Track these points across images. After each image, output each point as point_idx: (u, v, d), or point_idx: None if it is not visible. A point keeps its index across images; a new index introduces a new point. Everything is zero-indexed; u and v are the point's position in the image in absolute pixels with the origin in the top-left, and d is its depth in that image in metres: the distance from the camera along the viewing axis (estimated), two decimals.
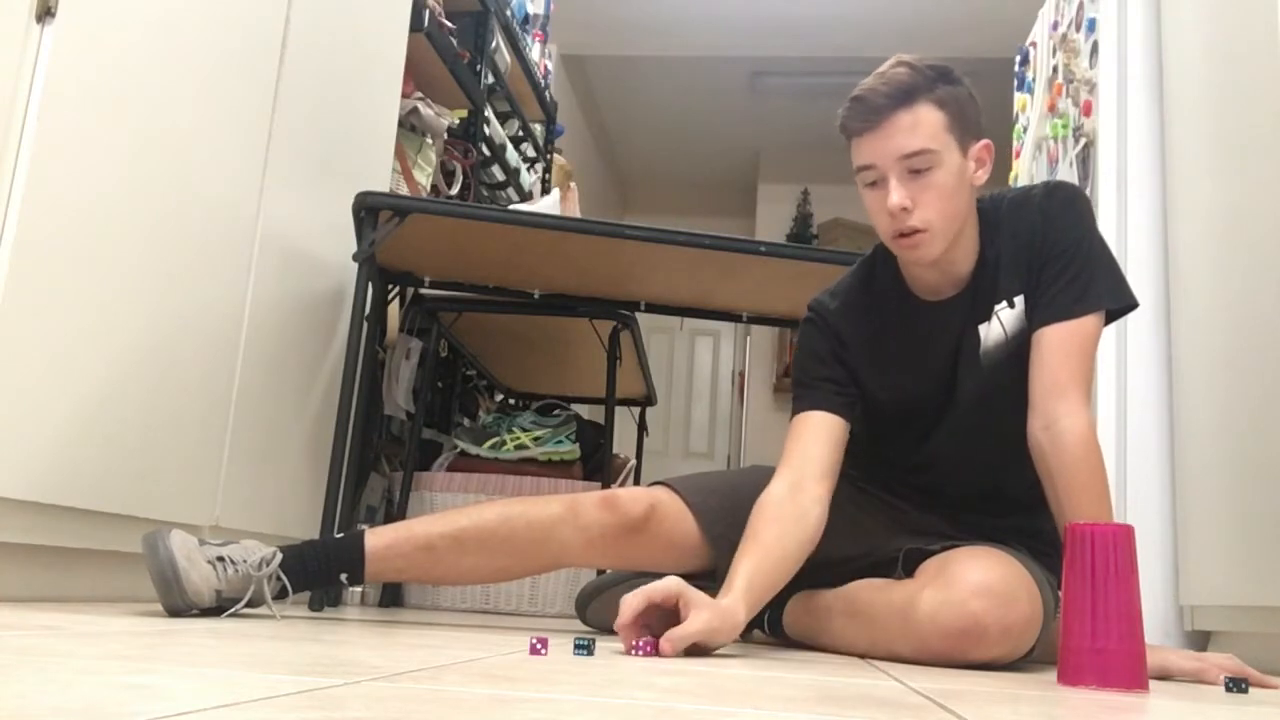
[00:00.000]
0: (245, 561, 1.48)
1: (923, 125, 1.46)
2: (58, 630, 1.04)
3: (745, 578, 1.40)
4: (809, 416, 1.61)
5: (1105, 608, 1.19)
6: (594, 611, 1.87)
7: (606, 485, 2.70)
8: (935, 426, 1.64)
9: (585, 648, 1.20)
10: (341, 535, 1.70)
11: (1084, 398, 1.50)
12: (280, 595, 1.52)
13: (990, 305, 1.58)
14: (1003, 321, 1.57)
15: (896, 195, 1.46)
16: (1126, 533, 1.22)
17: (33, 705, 0.54)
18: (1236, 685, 1.25)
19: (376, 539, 1.61)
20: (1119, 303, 1.55)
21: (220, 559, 1.46)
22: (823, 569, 1.60)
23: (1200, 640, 2.31)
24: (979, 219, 1.59)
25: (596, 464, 2.78)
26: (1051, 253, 1.54)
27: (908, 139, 1.45)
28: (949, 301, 1.60)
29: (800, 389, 1.66)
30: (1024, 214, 1.57)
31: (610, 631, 1.80)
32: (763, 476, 1.62)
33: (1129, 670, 1.18)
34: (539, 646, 1.18)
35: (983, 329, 1.58)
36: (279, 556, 1.52)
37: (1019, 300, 1.56)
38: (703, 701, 0.77)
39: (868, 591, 1.55)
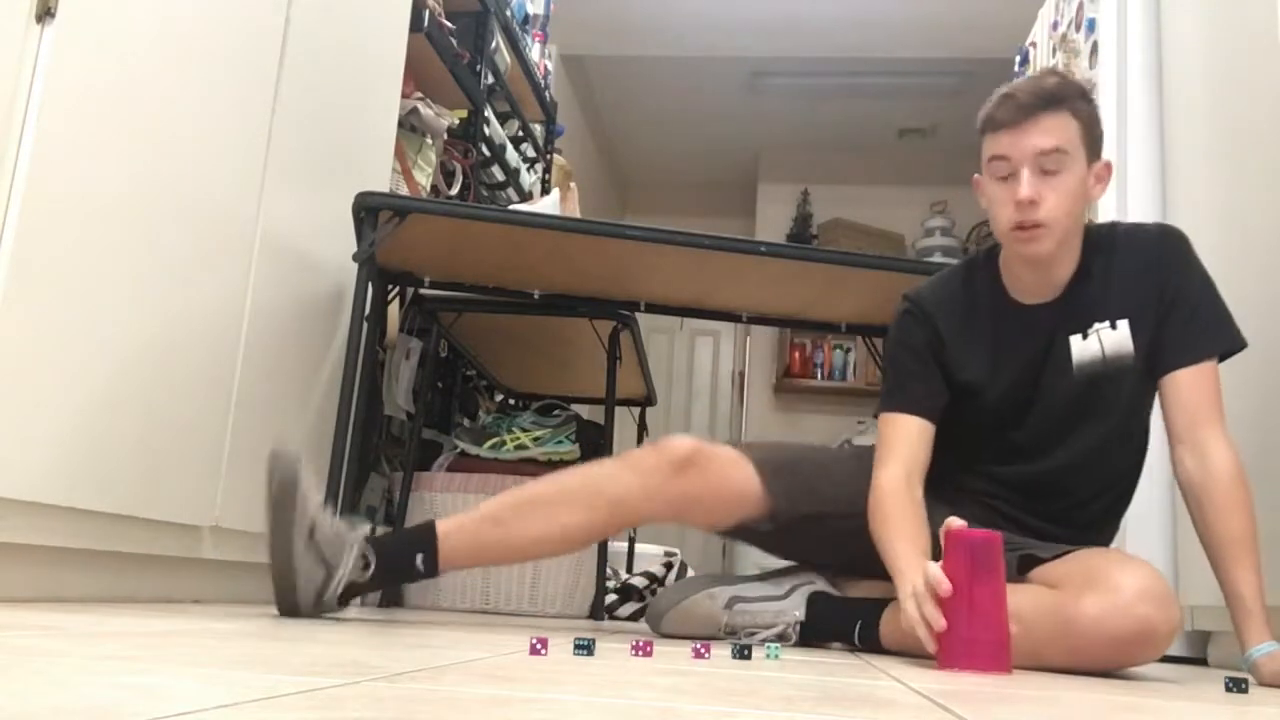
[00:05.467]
0: (345, 528, 1.60)
1: (1061, 129, 1.57)
2: (58, 630, 1.04)
3: (910, 554, 1.50)
4: (905, 420, 1.70)
5: (977, 602, 1.35)
6: (670, 622, 1.89)
7: None
8: (1015, 426, 1.70)
9: (585, 648, 1.20)
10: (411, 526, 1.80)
11: (1226, 430, 1.62)
12: (364, 569, 1.60)
13: (1087, 320, 1.67)
14: (1102, 341, 1.66)
15: (1028, 188, 1.56)
16: (995, 538, 1.38)
17: (33, 705, 0.54)
18: (1236, 685, 1.25)
19: (444, 521, 1.69)
20: (1237, 345, 1.67)
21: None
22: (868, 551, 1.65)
23: (1200, 640, 2.31)
24: (1088, 238, 1.69)
25: None
26: (1178, 297, 1.65)
27: (1046, 137, 1.56)
28: (1042, 306, 1.69)
29: (894, 384, 1.74)
30: (1138, 245, 1.68)
31: (684, 637, 1.80)
32: (799, 443, 1.78)
33: (994, 656, 1.34)
34: (539, 646, 1.18)
35: (1075, 340, 1.67)
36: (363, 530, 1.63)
37: (1123, 324, 1.65)
38: (703, 701, 0.77)
39: None
